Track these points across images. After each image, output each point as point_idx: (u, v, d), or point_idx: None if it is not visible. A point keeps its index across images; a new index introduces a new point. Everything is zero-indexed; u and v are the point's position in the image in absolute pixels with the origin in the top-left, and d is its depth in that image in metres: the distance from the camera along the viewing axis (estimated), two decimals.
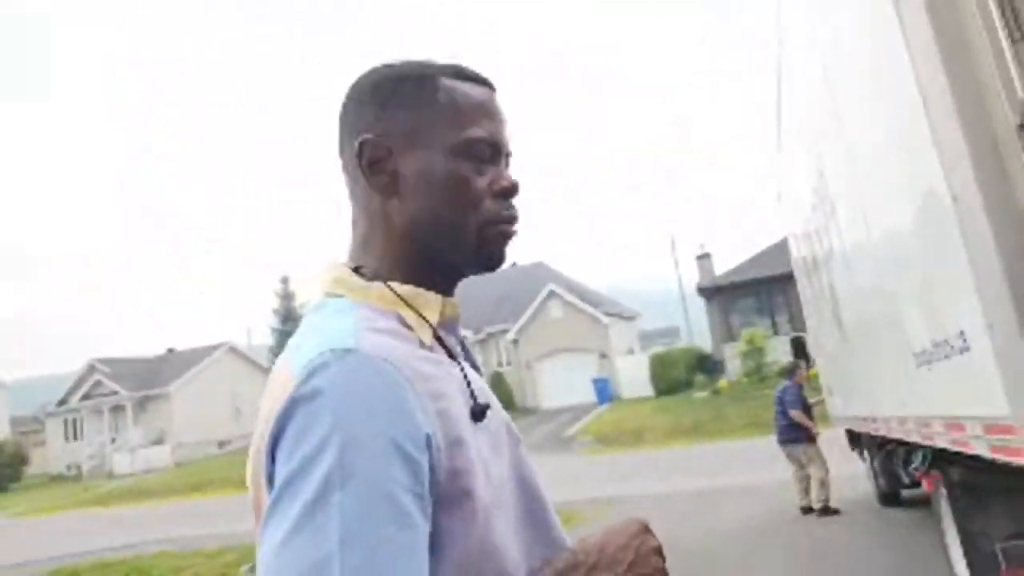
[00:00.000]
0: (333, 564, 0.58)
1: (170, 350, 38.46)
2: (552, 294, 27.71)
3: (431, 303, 0.79)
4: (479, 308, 28.82)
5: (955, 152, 1.86)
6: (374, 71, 0.84)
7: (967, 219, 1.91)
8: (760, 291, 23.39)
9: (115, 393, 32.94)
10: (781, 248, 18.25)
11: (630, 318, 32.19)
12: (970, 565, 3.58)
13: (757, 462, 10.94)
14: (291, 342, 0.76)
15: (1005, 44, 1.68)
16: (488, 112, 0.82)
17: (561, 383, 26.76)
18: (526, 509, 0.78)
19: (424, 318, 0.77)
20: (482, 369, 0.89)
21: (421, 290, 0.79)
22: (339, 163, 0.86)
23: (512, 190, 0.82)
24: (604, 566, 0.74)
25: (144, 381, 33.78)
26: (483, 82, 0.84)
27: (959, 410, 2.55)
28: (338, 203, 0.93)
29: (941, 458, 3.71)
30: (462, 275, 0.85)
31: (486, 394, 0.79)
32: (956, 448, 2.79)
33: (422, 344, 0.75)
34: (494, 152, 0.82)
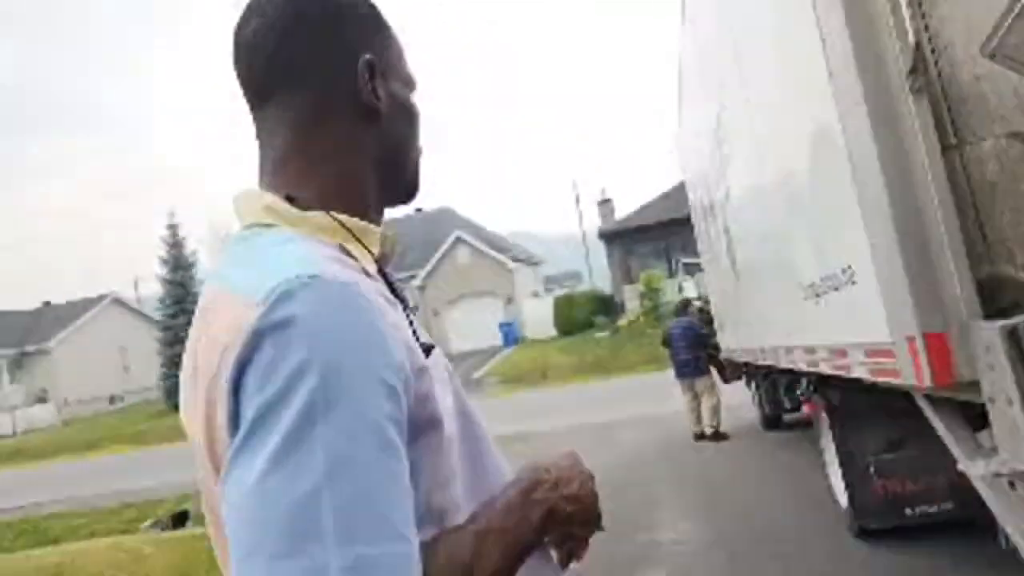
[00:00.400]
0: (321, 498, 0.55)
1: (46, 303, 35.59)
2: (459, 240, 27.62)
3: (374, 235, 0.77)
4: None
5: (850, 96, 1.97)
6: None
7: (858, 160, 2.05)
8: (658, 234, 24.29)
9: None
10: (679, 192, 18.95)
11: (535, 263, 32.71)
12: (846, 478, 4.01)
13: (653, 395, 11.61)
14: (223, 273, 0.70)
15: None
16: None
17: (468, 328, 27.01)
18: (470, 439, 0.78)
19: (369, 250, 0.76)
20: (415, 307, 0.88)
21: (364, 222, 0.76)
22: (287, 72, 0.77)
23: None
24: (564, 482, 0.78)
25: (19, 336, 31.23)
26: None
27: (844, 338, 2.79)
28: (232, 133, 0.86)
29: (823, 384, 4.08)
30: (392, 205, 0.86)
31: (422, 331, 0.78)
32: (839, 373, 3.05)
33: (368, 276, 0.73)
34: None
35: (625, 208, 27.47)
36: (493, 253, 27.69)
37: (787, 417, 7.53)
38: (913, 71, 1.81)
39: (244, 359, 0.59)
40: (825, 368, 3.32)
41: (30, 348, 30.82)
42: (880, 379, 2.43)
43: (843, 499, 4.20)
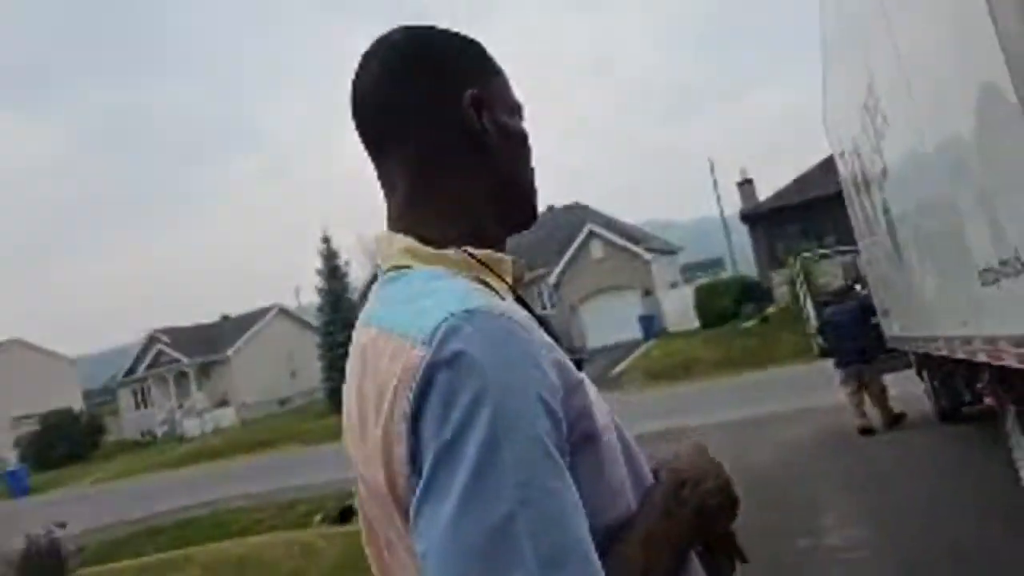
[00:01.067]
0: (516, 524, 0.57)
1: (224, 316, 39.76)
2: (591, 234, 27.40)
3: (505, 264, 0.80)
4: (519, 254, 27.94)
5: (1021, 43, 1.70)
6: (436, 32, 0.85)
7: None
8: (805, 214, 22.65)
9: (177, 361, 34.43)
10: (824, 168, 17.50)
11: (672, 252, 31.74)
12: None
13: (809, 387, 10.84)
14: (378, 315, 0.73)
15: None
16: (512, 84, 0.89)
17: (606, 322, 26.69)
18: (625, 446, 0.79)
19: (505, 280, 0.78)
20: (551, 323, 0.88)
21: (495, 252, 0.79)
22: (400, 122, 0.80)
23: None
24: (704, 476, 0.78)
25: (203, 347, 35.14)
26: None
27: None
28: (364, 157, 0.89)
29: (1009, 375, 3.59)
30: (514, 232, 0.88)
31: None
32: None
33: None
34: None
35: (767, 188, 25.87)
36: (627, 244, 27.19)
37: (965, 409, 6.73)
38: None
39: (420, 398, 0.62)
40: (1010, 361, 2.92)
41: (212, 358, 34.58)
42: None
43: None
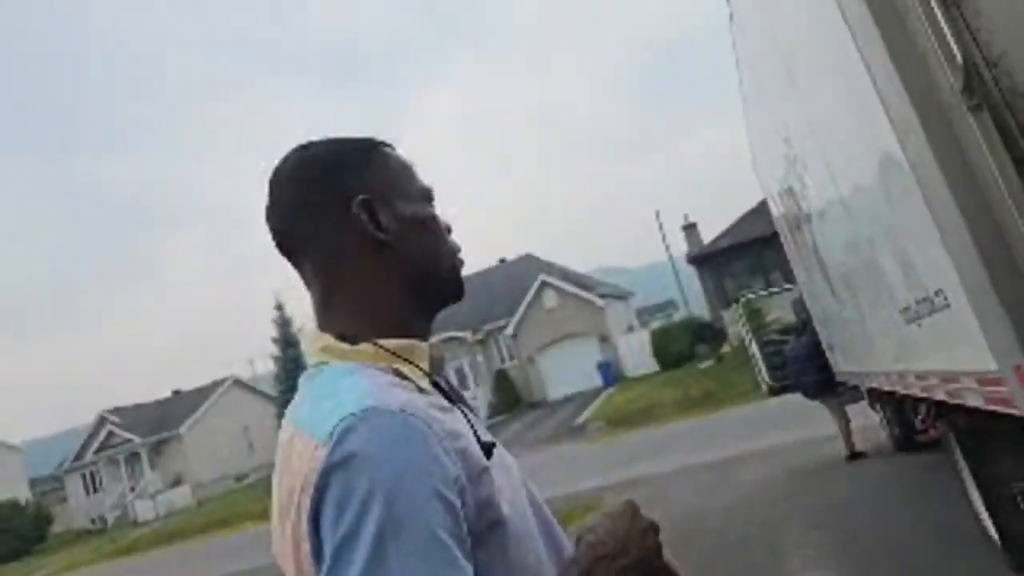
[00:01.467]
0: None
1: (176, 392, 38.34)
2: (544, 284, 27.65)
3: (421, 351, 0.83)
4: (474, 308, 28.74)
5: (905, 121, 1.87)
6: (324, 145, 0.90)
7: (927, 184, 1.92)
8: (750, 252, 23.39)
9: (128, 441, 32.86)
10: (764, 206, 18.14)
11: (624, 297, 32.21)
12: (989, 508, 3.61)
13: (763, 426, 11.01)
14: (296, 413, 0.77)
15: (938, 10, 1.68)
16: (416, 169, 0.94)
17: (565, 371, 26.73)
18: (542, 525, 0.81)
19: (419, 367, 0.81)
20: (473, 403, 0.92)
21: (410, 341, 0.82)
22: (303, 235, 0.86)
23: (451, 227, 0.94)
24: (621, 552, 0.78)
25: (155, 426, 33.71)
26: (395, 148, 0.95)
27: (951, 364, 2.57)
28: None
29: (945, 408, 3.72)
30: (436, 312, 0.91)
31: (483, 430, 0.81)
32: (955, 401, 2.80)
33: (421, 391, 0.78)
34: (433, 198, 0.93)
35: (712, 230, 26.67)
36: (580, 292, 27.49)
37: (919, 438, 6.91)
38: (967, 88, 1.69)
39: (317, 498, 0.66)
40: (940, 395, 3.05)
41: (165, 435, 33.15)
42: (997, 408, 2.22)
43: (993, 532, 3.77)
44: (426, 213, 0.89)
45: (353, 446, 0.65)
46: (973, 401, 2.41)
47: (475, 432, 0.77)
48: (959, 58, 1.69)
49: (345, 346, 0.80)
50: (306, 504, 0.67)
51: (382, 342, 0.80)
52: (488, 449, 0.76)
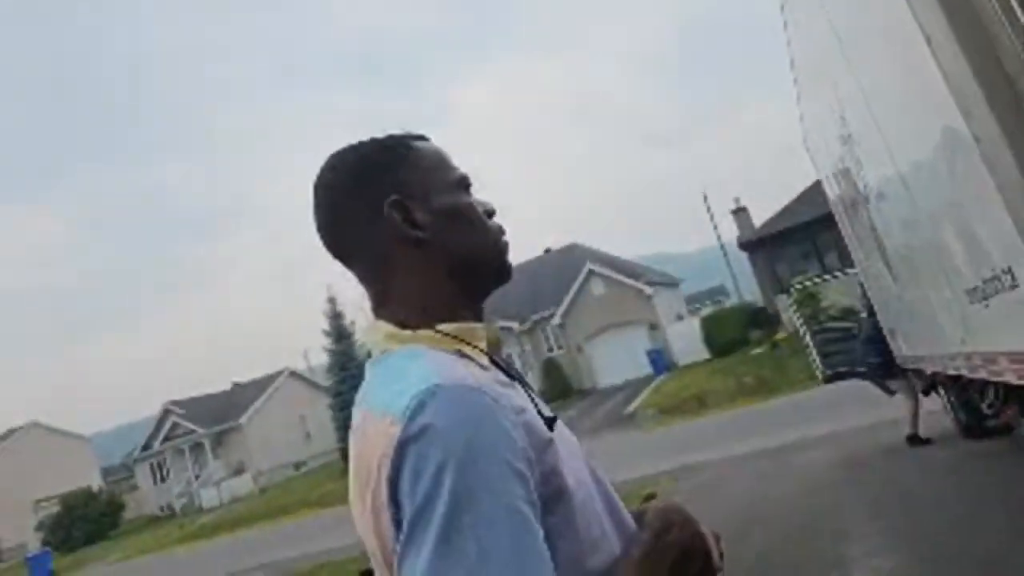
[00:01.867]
0: None
1: (236, 384, 39.71)
2: (591, 273, 27.46)
3: (478, 333, 0.87)
4: (521, 299, 28.79)
5: (968, 93, 1.80)
6: (356, 149, 0.94)
7: (993, 158, 1.85)
8: (803, 235, 22.74)
9: (192, 432, 34.28)
10: (818, 188, 17.55)
11: (673, 284, 31.75)
12: None
13: (826, 412, 10.74)
14: (366, 396, 0.82)
15: None
16: (451, 159, 0.96)
17: (614, 360, 26.56)
18: (605, 500, 0.85)
19: (478, 347, 0.85)
20: (530, 383, 0.95)
21: (466, 324, 0.86)
22: (346, 241, 0.91)
23: (495, 209, 0.96)
24: (692, 522, 0.84)
25: (217, 417, 35.02)
26: (430, 140, 0.98)
27: (1022, 345, 2.47)
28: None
29: (1014, 391, 3.59)
30: (487, 295, 0.94)
31: (543, 406, 0.86)
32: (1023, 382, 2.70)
33: (484, 369, 0.82)
34: (470, 185, 0.95)
35: (763, 214, 26.03)
36: (628, 280, 27.21)
37: (989, 423, 6.63)
38: None
39: (395, 470, 0.70)
40: (1010, 378, 2.94)
41: (226, 426, 34.43)
42: None
43: None
44: (461, 202, 0.92)
45: (426, 420, 0.69)
46: None
47: (537, 407, 0.81)
48: (1023, 19, 1.63)
49: (407, 332, 0.84)
50: (384, 477, 0.70)
51: (440, 327, 0.84)
52: (550, 423, 0.79)
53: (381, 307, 0.90)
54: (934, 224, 3.22)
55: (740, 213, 26.07)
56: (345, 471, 0.86)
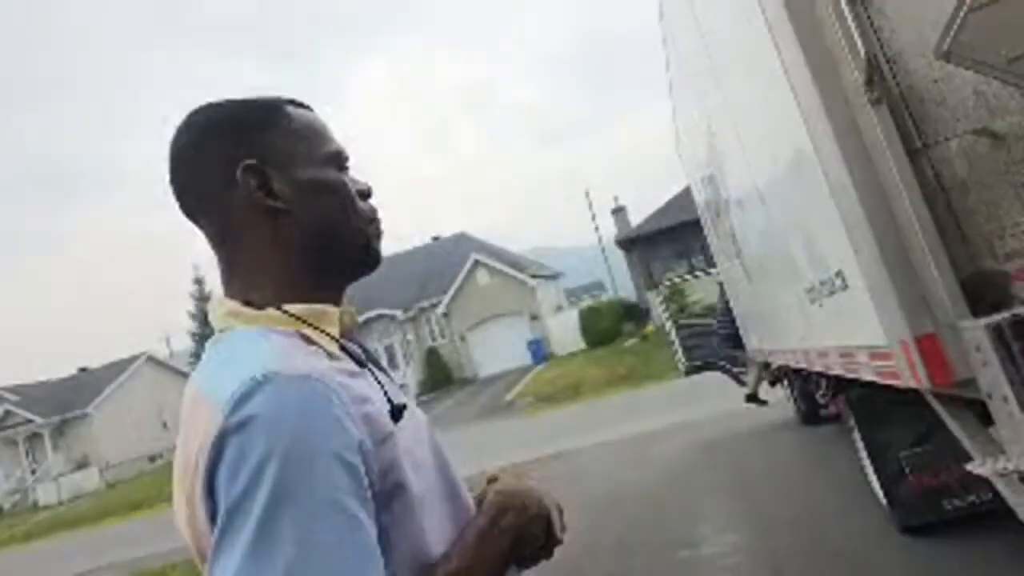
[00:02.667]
0: None
1: (82, 369, 36.38)
2: (477, 263, 27.71)
3: (330, 316, 0.81)
4: (407, 286, 28.53)
5: (813, 112, 1.99)
6: (220, 106, 0.85)
7: (831, 173, 2.06)
8: (676, 236, 24.13)
9: (29, 422, 30.98)
10: (690, 193, 18.74)
11: (555, 277, 32.66)
12: (878, 474, 3.93)
13: (682, 402, 11.50)
14: (199, 377, 0.76)
15: (846, 7, 1.80)
16: (329, 131, 0.90)
17: (496, 349, 26.99)
18: (447, 486, 0.84)
19: (325, 332, 0.80)
20: (403, 380, 0.92)
21: (317, 306, 0.81)
22: (196, 202, 0.84)
23: (370, 191, 0.90)
24: (530, 505, 0.84)
25: (59, 405, 31.91)
26: (310, 108, 0.90)
27: (848, 341, 2.77)
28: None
29: (844, 381, 4.02)
30: (349, 281, 0.88)
31: (396, 392, 0.83)
32: (851, 375, 3.02)
33: (330, 356, 0.77)
34: (346, 162, 0.89)
35: (641, 213, 27.39)
36: (512, 272, 27.71)
37: (824, 412, 7.41)
38: (869, 82, 1.82)
39: (213, 461, 0.65)
40: (838, 370, 3.29)
41: (69, 415, 31.46)
42: (886, 381, 2.42)
43: (881, 496, 4.11)
44: (331, 177, 0.85)
45: (252, 410, 0.65)
46: (866, 375, 2.62)
47: (386, 394, 0.78)
48: (863, 53, 1.82)
49: (251, 311, 0.79)
50: (203, 467, 0.66)
51: (288, 307, 0.79)
52: (399, 411, 0.77)
53: (229, 278, 0.84)
54: (783, 231, 3.53)
55: (619, 213, 27.22)
56: None
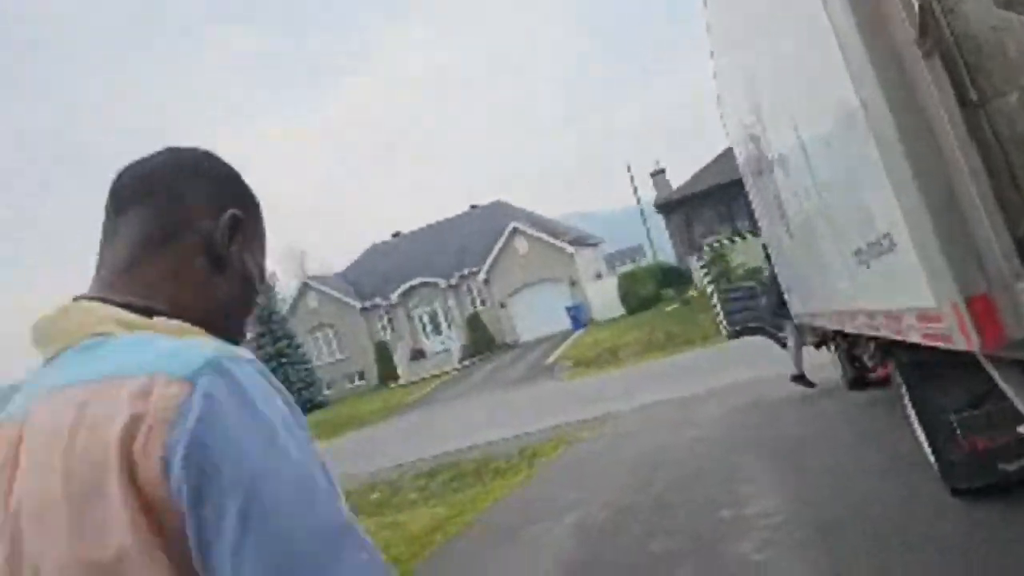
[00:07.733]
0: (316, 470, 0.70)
1: None
2: (515, 231, 27.72)
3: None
4: (446, 255, 28.78)
5: (860, 65, 1.92)
6: (230, 166, 0.94)
7: (879, 128, 1.99)
8: (717, 199, 23.66)
9: None
10: (731, 155, 18.23)
11: (594, 243, 32.44)
12: (929, 437, 3.86)
13: (730, 364, 11.39)
14: (80, 372, 0.71)
15: None
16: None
17: (536, 315, 27.14)
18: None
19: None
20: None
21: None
22: (164, 196, 0.85)
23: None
24: None
25: None
26: None
27: (896, 303, 2.71)
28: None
29: (893, 343, 3.92)
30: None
31: None
32: (898, 338, 2.96)
33: None
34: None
35: (681, 176, 26.85)
36: (550, 239, 27.65)
37: (871, 375, 7.24)
38: (922, 34, 1.74)
39: (191, 429, 0.63)
40: (885, 333, 3.22)
41: None
42: (935, 343, 2.36)
43: (932, 459, 4.03)
44: (256, 278, 0.92)
45: (236, 375, 0.68)
46: (915, 337, 2.56)
47: None
48: (915, 2, 1.74)
49: (143, 319, 0.76)
50: (157, 443, 0.63)
51: (181, 323, 0.77)
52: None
53: (121, 277, 0.81)
54: (830, 191, 3.43)
55: (658, 176, 26.74)
56: None
